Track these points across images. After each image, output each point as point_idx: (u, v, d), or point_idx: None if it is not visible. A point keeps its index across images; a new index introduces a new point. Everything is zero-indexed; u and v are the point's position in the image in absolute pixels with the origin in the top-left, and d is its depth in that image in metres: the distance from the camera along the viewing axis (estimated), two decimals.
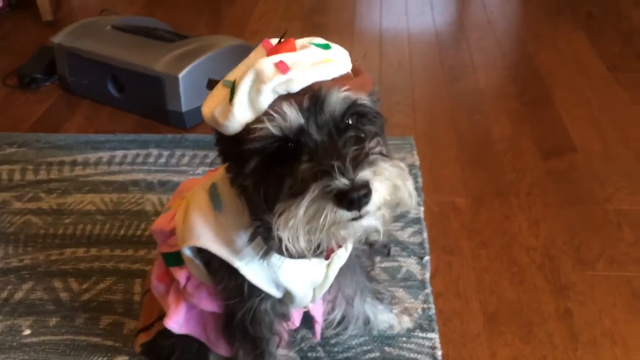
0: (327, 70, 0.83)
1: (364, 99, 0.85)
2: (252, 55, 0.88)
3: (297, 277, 1.00)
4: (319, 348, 1.34)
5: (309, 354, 1.33)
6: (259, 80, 0.80)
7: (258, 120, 0.81)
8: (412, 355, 1.32)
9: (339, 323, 1.35)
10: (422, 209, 1.74)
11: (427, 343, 1.34)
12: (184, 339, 1.16)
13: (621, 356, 1.31)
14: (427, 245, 1.61)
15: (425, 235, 1.64)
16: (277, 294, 1.02)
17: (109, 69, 2.25)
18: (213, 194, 1.00)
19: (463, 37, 2.83)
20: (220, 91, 0.87)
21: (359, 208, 0.78)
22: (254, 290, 0.99)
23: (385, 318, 1.35)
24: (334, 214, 0.78)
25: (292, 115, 0.80)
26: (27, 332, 1.41)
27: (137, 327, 1.28)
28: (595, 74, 2.44)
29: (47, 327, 1.42)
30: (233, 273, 0.97)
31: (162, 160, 2.00)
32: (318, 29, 2.93)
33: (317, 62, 0.83)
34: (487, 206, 1.76)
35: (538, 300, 1.45)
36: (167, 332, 1.18)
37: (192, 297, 1.07)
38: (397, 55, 2.66)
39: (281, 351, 1.16)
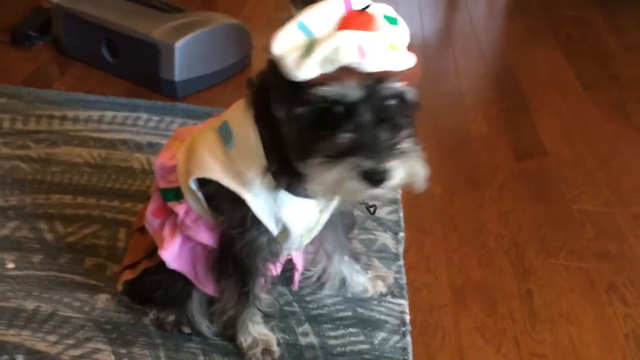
0: (397, 62, 0.90)
1: (410, 92, 0.94)
2: (328, 4, 0.92)
3: (296, 215, 1.07)
4: (294, 303, 1.40)
5: (285, 308, 1.39)
6: (337, 53, 0.86)
7: (325, 79, 0.88)
8: (382, 317, 1.39)
9: (317, 280, 1.42)
10: (399, 191, 1.82)
11: (397, 308, 1.42)
12: (170, 276, 1.21)
13: (575, 334, 1.41)
14: (402, 224, 1.69)
15: (401, 214, 1.72)
16: (274, 230, 1.08)
17: (105, 32, 2.29)
18: (224, 130, 1.06)
19: (449, 44, 2.94)
20: (294, 36, 0.91)
21: (377, 186, 0.90)
22: (255, 223, 1.06)
23: (360, 280, 1.42)
24: (357, 185, 0.90)
25: (354, 88, 0.88)
26: (11, 265, 1.44)
27: (122, 265, 1.32)
28: (570, 90, 2.58)
29: (31, 262, 1.46)
30: (238, 205, 1.04)
31: (152, 124, 2.04)
32: None
33: (388, 47, 0.89)
34: (461, 195, 1.86)
35: (502, 281, 1.55)
36: (152, 270, 1.23)
37: (189, 229, 1.13)
38: None
39: (263, 295, 1.22)
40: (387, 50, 0.89)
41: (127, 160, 1.85)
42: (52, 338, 1.27)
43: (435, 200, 1.82)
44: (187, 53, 2.18)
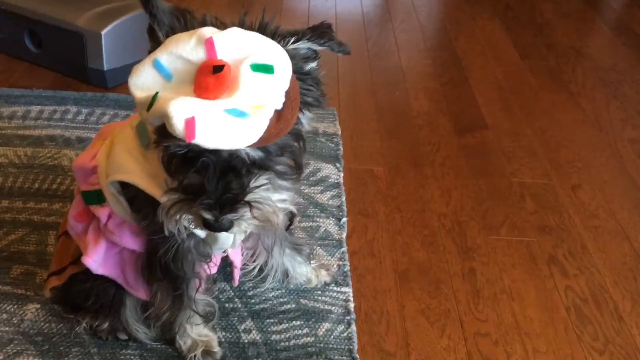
0: (239, 138, 0.81)
1: (257, 154, 0.87)
2: (185, 39, 0.84)
3: None
4: (236, 299, 1.37)
5: (227, 305, 1.35)
6: (169, 125, 0.79)
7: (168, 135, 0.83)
8: (326, 307, 1.37)
9: (259, 273, 1.38)
10: (341, 175, 1.79)
11: (341, 296, 1.40)
12: (100, 283, 1.16)
13: (518, 310, 1.42)
14: (345, 208, 1.66)
15: (343, 199, 1.70)
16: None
17: (26, 21, 2.16)
18: (141, 130, 1.01)
19: (388, 18, 2.91)
20: (149, 75, 0.85)
21: (221, 231, 0.92)
22: None
23: (303, 271, 1.39)
24: (198, 230, 0.96)
25: (195, 146, 0.83)
26: None
27: (49, 271, 1.26)
28: (508, 60, 2.59)
29: None
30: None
31: (81, 117, 1.95)
32: (245, 1, 2.93)
33: (237, 116, 0.80)
34: (402, 175, 1.84)
35: (446, 261, 1.54)
36: (81, 277, 1.17)
37: (113, 235, 1.07)
38: None
39: (200, 296, 1.18)
40: (233, 120, 0.80)
41: (55, 158, 1.76)
42: None
43: (378, 182, 1.80)
44: (114, 40, 2.08)
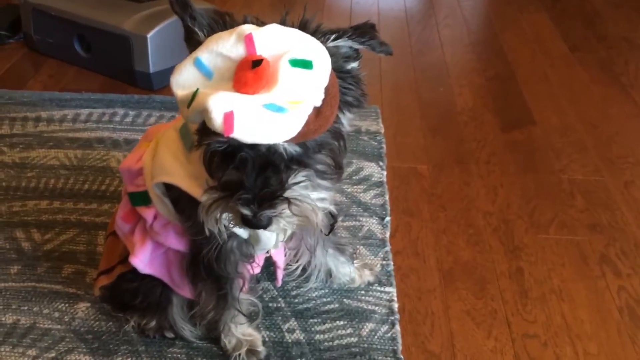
0: (277, 132, 0.81)
1: (296, 150, 0.87)
2: (225, 37, 0.84)
3: None
4: (279, 299, 1.37)
5: (270, 304, 1.36)
6: (208, 120, 0.80)
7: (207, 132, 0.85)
8: (369, 307, 1.36)
9: (302, 273, 1.38)
10: (384, 173, 1.78)
11: (384, 296, 1.39)
12: (147, 282, 1.18)
13: (567, 311, 1.38)
14: (388, 207, 1.65)
15: (387, 197, 1.68)
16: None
17: (75, 27, 2.22)
18: (184, 133, 1.02)
19: (432, 13, 2.87)
20: (190, 74, 0.86)
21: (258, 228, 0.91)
22: None
23: (346, 271, 1.39)
24: (236, 228, 0.94)
25: (235, 141, 0.83)
26: None
27: (98, 270, 1.29)
28: (557, 53, 2.52)
29: (8, 274, 1.42)
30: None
31: (129, 119, 1.99)
32: (287, 2, 2.93)
33: (275, 111, 0.80)
34: (447, 173, 1.81)
35: (492, 260, 1.51)
36: (128, 276, 1.20)
37: (159, 235, 1.09)
38: None
39: (243, 295, 1.19)
40: (271, 116, 0.80)
41: (103, 160, 1.80)
42: (33, 352, 1.25)
43: (422, 180, 1.78)
44: (160, 43, 2.12)
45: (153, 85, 2.16)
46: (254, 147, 0.84)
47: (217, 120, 0.78)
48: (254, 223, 0.88)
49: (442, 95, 2.21)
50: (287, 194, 0.88)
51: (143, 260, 1.11)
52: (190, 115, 0.85)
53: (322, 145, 0.91)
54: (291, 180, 0.89)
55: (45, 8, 2.26)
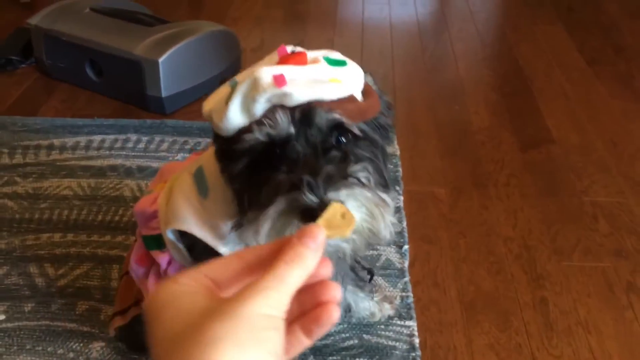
0: (326, 91, 0.80)
1: (352, 124, 0.82)
2: (266, 59, 0.87)
3: None
4: None
5: None
6: (254, 88, 0.79)
7: (250, 127, 0.81)
8: (390, 342, 1.33)
9: None
10: (401, 198, 1.74)
11: (405, 331, 1.36)
12: None
13: (595, 344, 1.33)
14: (406, 234, 1.61)
15: (404, 224, 1.65)
16: None
17: (87, 52, 2.21)
18: (199, 178, 1.00)
19: (444, 27, 2.84)
20: (223, 90, 0.85)
21: None
22: None
23: (366, 306, 1.35)
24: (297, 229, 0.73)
25: (283, 123, 0.79)
26: (2, 317, 1.39)
27: (113, 310, 1.27)
28: (573, 66, 2.47)
29: (22, 312, 1.40)
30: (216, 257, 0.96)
31: (141, 145, 1.97)
32: (299, 17, 2.92)
33: (319, 80, 0.81)
34: (465, 196, 1.77)
35: (514, 290, 1.47)
36: (143, 318, 1.17)
37: None
38: (378, 44, 2.66)
39: None
40: (316, 82, 0.80)
41: (117, 189, 1.78)
42: None
43: (440, 204, 1.74)
44: (171, 67, 2.10)
45: (165, 110, 2.14)
46: (303, 135, 0.80)
47: (266, 78, 0.78)
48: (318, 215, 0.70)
49: (458, 114, 2.18)
50: (352, 178, 0.79)
51: None
52: (229, 112, 0.81)
53: (372, 143, 0.87)
54: (351, 168, 0.81)
55: (56, 33, 2.25)
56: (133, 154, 1.94)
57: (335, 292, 0.54)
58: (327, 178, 0.76)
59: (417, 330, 1.36)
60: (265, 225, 0.76)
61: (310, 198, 0.74)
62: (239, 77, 0.85)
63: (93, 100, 2.27)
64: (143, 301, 1.12)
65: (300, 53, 0.84)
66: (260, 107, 0.80)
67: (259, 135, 0.80)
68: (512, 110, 2.19)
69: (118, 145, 1.98)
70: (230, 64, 2.37)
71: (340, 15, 2.96)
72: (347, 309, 1.35)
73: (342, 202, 0.73)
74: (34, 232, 1.63)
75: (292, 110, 0.80)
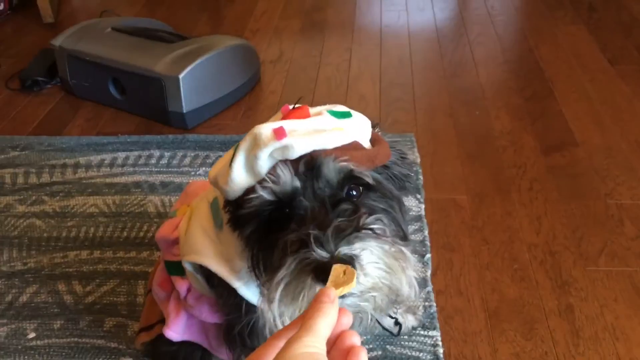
0: (329, 139, 0.78)
1: (364, 172, 0.79)
2: (271, 118, 0.87)
3: None
4: None
5: None
6: (255, 145, 0.78)
7: (255, 186, 0.79)
8: (414, 353, 1.33)
9: None
10: (423, 206, 1.74)
11: (428, 341, 1.35)
12: (187, 345, 1.17)
13: (622, 351, 1.31)
14: (428, 243, 1.61)
15: (426, 232, 1.64)
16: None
17: (109, 71, 2.26)
18: (215, 209, 0.99)
19: (463, 32, 2.83)
20: (228, 154, 0.85)
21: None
22: (252, 307, 0.97)
23: (390, 319, 1.35)
24: (312, 290, 0.70)
25: (286, 179, 0.76)
26: (32, 335, 1.42)
27: (139, 326, 1.29)
28: (596, 67, 2.44)
29: (51, 330, 1.44)
30: (232, 291, 0.95)
31: (164, 161, 2.00)
32: (318, 27, 2.93)
33: (320, 129, 0.79)
34: (488, 202, 1.76)
35: (539, 297, 1.46)
36: (167, 338, 1.19)
37: (192, 309, 1.08)
38: (397, 51, 2.66)
39: None
40: (317, 131, 0.79)
41: (141, 205, 1.81)
42: None
43: (461, 211, 1.73)
44: (192, 83, 2.13)
45: (187, 125, 2.17)
46: (311, 191, 0.77)
47: (266, 133, 0.77)
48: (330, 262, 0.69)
49: (479, 119, 2.16)
50: (362, 232, 0.74)
51: (177, 331, 1.10)
52: (233, 173, 0.80)
53: (386, 194, 0.84)
54: (364, 221, 0.76)
55: (79, 54, 2.30)
56: (156, 169, 1.97)
57: (355, 339, 0.59)
58: (337, 231, 0.72)
59: (440, 340, 1.35)
60: (278, 291, 0.73)
61: (320, 254, 0.70)
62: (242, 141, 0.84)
63: (117, 118, 2.31)
64: (163, 330, 1.13)
65: (302, 107, 0.83)
66: (263, 164, 0.78)
67: (263, 193, 0.77)
68: (534, 114, 2.17)
69: (141, 161, 2.01)
70: (250, 76, 2.39)
71: (358, 24, 2.96)
72: (370, 320, 1.35)
73: (355, 256, 0.71)
74: (61, 250, 1.67)
75: (296, 162, 0.77)
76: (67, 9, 3.30)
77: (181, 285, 1.07)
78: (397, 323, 1.08)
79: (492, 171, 1.89)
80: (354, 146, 0.82)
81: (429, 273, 1.52)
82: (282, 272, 0.72)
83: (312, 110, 0.84)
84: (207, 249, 0.97)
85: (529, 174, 1.86)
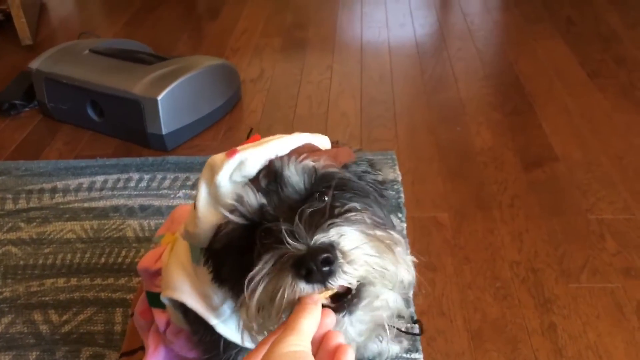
0: (281, 144, 0.77)
1: (329, 165, 0.76)
2: None
3: None
4: None
5: None
6: (212, 172, 0.77)
7: (224, 217, 0.76)
8: None
9: None
10: (404, 225, 1.73)
11: None
12: None
13: None
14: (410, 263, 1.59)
15: (408, 252, 1.62)
16: (254, 346, 0.99)
17: (87, 93, 2.24)
18: (193, 245, 0.98)
19: (443, 47, 2.84)
20: (190, 207, 0.84)
21: (323, 280, 0.66)
22: (231, 344, 0.94)
23: (374, 348, 1.33)
24: (292, 289, 0.66)
25: (250, 197, 0.74)
26: None
27: (120, 350, 1.26)
28: (575, 80, 2.45)
29: None
30: (209, 328, 0.93)
31: (143, 184, 1.98)
32: (299, 45, 2.93)
33: (272, 139, 0.79)
34: (469, 220, 1.75)
35: (522, 316, 1.44)
36: None
37: (171, 344, 1.05)
38: (378, 68, 2.66)
39: None
40: (268, 142, 0.79)
41: (119, 230, 1.78)
42: None
43: (443, 230, 1.72)
44: (171, 104, 2.11)
45: (166, 146, 2.15)
46: (276, 198, 0.74)
47: (219, 158, 0.77)
48: (313, 267, 0.65)
49: (460, 135, 2.16)
50: (343, 217, 0.70)
51: None
52: (199, 212, 0.79)
53: (359, 192, 0.80)
54: (341, 209, 0.72)
55: (56, 77, 2.28)
56: (135, 193, 1.94)
57: (340, 338, 0.63)
58: (310, 222, 0.68)
59: None
60: (256, 293, 0.68)
61: (296, 246, 0.66)
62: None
63: (95, 140, 2.29)
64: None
65: (255, 136, 0.83)
66: (225, 191, 0.76)
67: (232, 217, 0.74)
68: (515, 129, 2.17)
69: (120, 185, 1.99)
70: (230, 96, 2.38)
71: (339, 41, 2.97)
72: (355, 348, 1.33)
73: (335, 243, 0.67)
74: (38, 278, 1.64)
75: (256, 180, 0.76)
76: (46, 31, 3.28)
77: (161, 319, 1.05)
78: (415, 322, 1.04)
79: (473, 188, 1.88)
80: (309, 147, 0.80)
81: (411, 294, 1.50)
82: (258, 271, 0.68)
83: (265, 139, 0.83)
84: (184, 284, 0.94)
85: (510, 190, 1.86)
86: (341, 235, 0.68)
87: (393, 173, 1.94)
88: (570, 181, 1.88)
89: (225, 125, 2.32)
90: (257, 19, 3.24)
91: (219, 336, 0.93)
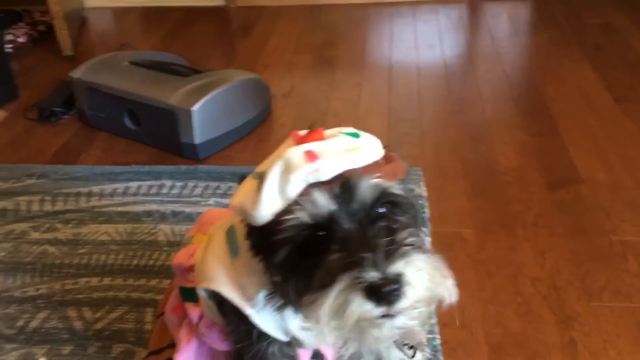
0: (358, 158, 0.82)
1: (396, 187, 0.83)
2: (282, 146, 0.88)
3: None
4: None
5: None
6: (287, 169, 0.80)
7: (288, 209, 0.80)
8: None
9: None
10: (428, 239, 1.76)
11: None
12: None
13: None
14: None
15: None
16: (286, 338, 1.03)
17: (125, 103, 2.32)
18: (230, 237, 1.01)
19: (471, 69, 2.88)
20: (249, 183, 0.87)
21: (389, 303, 0.75)
22: (263, 335, 0.99)
23: (396, 355, 1.36)
24: (361, 308, 0.74)
25: (323, 202, 0.79)
26: None
27: (148, 350, 1.31)
28: (601, 105, 2.48)
29: (60, 355, 1.46)
30: (243, 318, 0.97)
31: (175, 191, 2.05)
32: (329, 62, 3.00)
33: (346, 149, 0.82)
34: (492, 237, 1.78)
35: (543, 331, 1.47)
36: None
37: (204, 336, 1.10)
38: (406, 87, 2.72)
39: None
40: (345, 151, 0.82)
41: (152, 234, 1.85)
42: None
43: (467, 245, 1.76)
44: (204, 115, 2.19)
45: (199, 156, 2.23)
46: (346, 210, 0.80)
47: (297, 157, 0.80)
48: (383, 290, 0.73)
49: (485, 155, 2.20)
50: (407, 246, 0.77)
51: (187, 357, 1.12)
52: (264, 197, 0.82)
53: (409, 207, 0.86)
54: (401, 236, 0.79)
55: (97, 86, 2.37)
56: (167, 199, 2.01)
57: None
58: (384, 251, 0.75)
59: None
60: (327, 303, 0.75)
61: (373, 275, 0.74)
62: (260, 168, 0.86)
63: (131, 148, 2.37)
64: (173, 356, 1.16)
65: (316, 130, 0.86)
66: (295, 187, 0.80)
67: (300, 215, 0.79)
68: (540, 150, 2.20)
69: (153, 191, 2.06)
70: (261, 110, 2.45)
71: (368, 60, 3.03)
72: (378, 357, 1.36)
73: (402, 273, 0.75)
74: (73, 276, 1.70)
75: (328, 185, 0.80)
76: (86, 43, 3.41)
77: (194, 312, 1.10)
78: (411, 347, 1.08)
79: (497, 206, 1.92)
80: (377, 164, 0.85)
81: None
82: (335, 289, 0.75)
83: (326, 132, 0.87)
84: (221, 275, 0.99)
85: (534, 209, 1.89)
86: (407, 264, 0.76)
87: (419, 189, 1.98)
88: (594, 202, 1.90)
89: (255, 138, 2.39)
90: (289, 37, 3.32)
91: (252, 326, 0.97)
